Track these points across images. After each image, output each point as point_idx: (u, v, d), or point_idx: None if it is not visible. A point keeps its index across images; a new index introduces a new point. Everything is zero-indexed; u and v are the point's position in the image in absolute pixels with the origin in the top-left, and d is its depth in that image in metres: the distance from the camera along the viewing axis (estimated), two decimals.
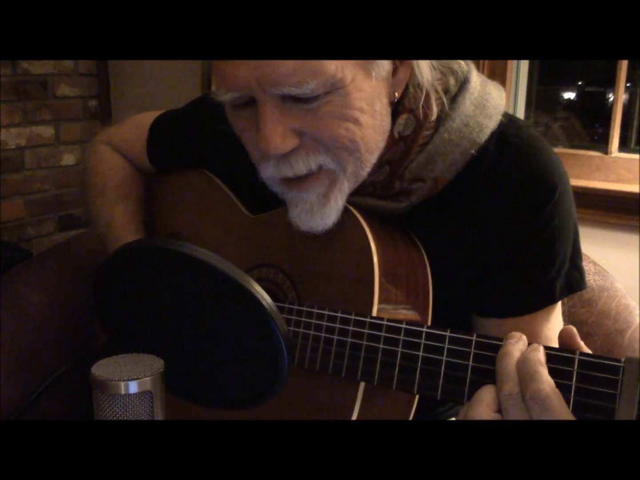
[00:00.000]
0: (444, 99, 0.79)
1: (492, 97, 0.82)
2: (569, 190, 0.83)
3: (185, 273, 0.65)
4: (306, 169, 0.75)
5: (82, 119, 2.69)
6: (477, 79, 0.82)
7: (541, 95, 2.04)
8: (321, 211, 0.78)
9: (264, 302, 0.61)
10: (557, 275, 0.81)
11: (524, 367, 0.60)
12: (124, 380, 0.58)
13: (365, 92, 0.73)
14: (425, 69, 0.77)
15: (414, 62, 0.77)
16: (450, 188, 0.82)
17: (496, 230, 0.81)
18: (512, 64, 1.85)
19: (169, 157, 1.08)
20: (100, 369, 0.59)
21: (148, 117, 1.10)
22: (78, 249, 1.34)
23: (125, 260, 0.69)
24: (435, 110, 0.79)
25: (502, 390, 0.60)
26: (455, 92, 0.81)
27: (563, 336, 0.64)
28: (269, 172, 0.78)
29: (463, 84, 0.81)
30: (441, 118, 0.80)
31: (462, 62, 0.82)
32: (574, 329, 0.63)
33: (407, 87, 0.79)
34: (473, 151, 0.80)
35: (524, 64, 1.90)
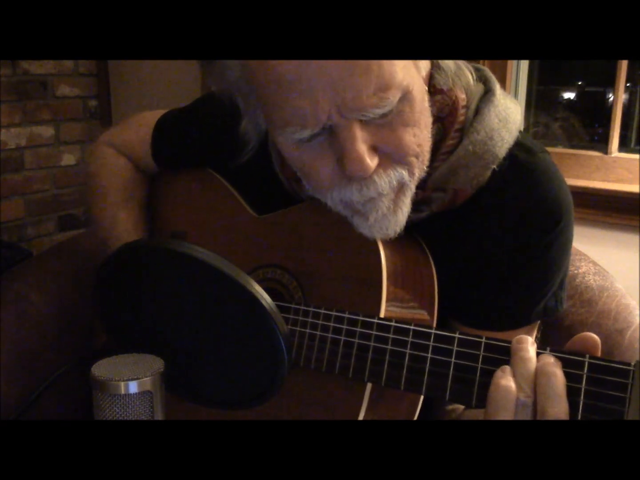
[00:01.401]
0: (471, 106, 0.80)
1: (512, 112, 0.82)
2: (572, 224, 0.83)
3: (185, 273, 0.65)
4: (389, 186, 0.74)
5: (82, 119, 2.69)
6: (500, 92, 0.82)
7: (541, 95, 2.04)
8: (393, 218, 0.77)
9: (263, 302, 0.61)
10: (538, 301, 0.83)
11: (551, 384, 0.59)
12: (124, 380, 0.58)
13: (421, 91, 0.73)
14: (448, 62, 0.79)
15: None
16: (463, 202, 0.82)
17: (494, 249, 0.82)
18: (512, 64, 1.85)
19: (173, 156, 1.08)
20: (100, 369, 0.59)
21: (151, 117, 1.10)
22: (78, 249, 1.34)
23: (125, 260, 0.69)
24: (462, 113, 0.80)
25: (519, 396, 0.60)
26: (479, 102, 0.81)
27: (587, 344, 0.62)
28: (349, 196, 0.75)
29: (487, 95, 0.81)
30: (465, 129, 0.80)
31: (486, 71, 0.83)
32: (599, 341, 0.62)
33: (434, 92, 0.79)
34: (494, 166, 0.80)
35: (524, 64, 1.90)
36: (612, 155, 1.75)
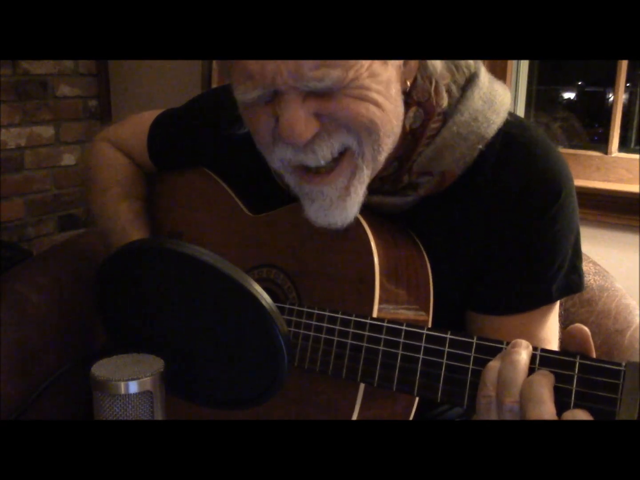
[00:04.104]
0: (454, 89, 0.79)
1: (498, 94, 0.82)
2: (574, 193, 0.83)
3: (185, 273, 0.65)
4: (331, 153, 0.74)
5: (82, 119, 2.69)
6: (485, 75, 0.83)
7: (541, 95, 2.04)
8: (341, 205, 0.77)
9: (264, 302, 0.61)
10: (556, 276, 0.81)
11: (532, 388, 0.59)
12: (124, 380, 0.58)
13: (382, 76, 0.73)
14: (436, 61, 0.78)
15: None
16: (454, 184, 0.82)
17: (499, 228, 0.81)
18: (512, 64, 1.85)
19: (169, 155, 1.08)
20: (100, 369, 0.59)
21: (149, 116, 1.10)
22: (78, 249, 1.34)
23: (125, 260, 0.69)
24: (445, 99, 0.79)
25: (505, 401, 0.60)
26: (464, 86, 0.81)
27: (577, 336, 0.62)
28: (286, 155, 0.76)
29: (472, 78, 0.81)
30: (449, 112, 0.80)
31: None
32: (588, 332, 0.62)
33: (415, 80, 0.79)
34: (480, 146, 0.80)
35: (524, 64, 1.90)
36: (612, 155, 1.75)
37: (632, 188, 1.65)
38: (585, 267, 1.17)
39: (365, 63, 0.70)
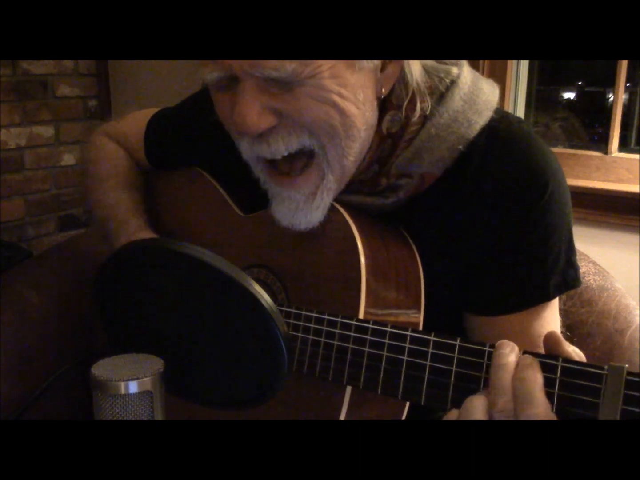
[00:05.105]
0: (429, 100, 0.79)
1: (483, 93, 0.81)
2: (563, 187, 0.82)
3: (185, 273, 0.65)
4: (286, 148, 0.75)
5: (82, 119, 2.69)
6: (468, 75, 0.82)
7: (541, 95, 2.04)
8: (306, 209, 0.78)
9: (263, 302, 0.61)
10: (551, 273, 0.81)
11: (522, 387, 0.59)
12: (124, 380, 0.58)
13: (345, 79, 0.72)
14: (416, 69, 0.77)
15: (405, 60, 0.76)
16: (440, 184, 0.81)
17: (487, 226, 0.80)
18: (512, 64, 1.85)
19: (164, 153, 1.08)
20: (100, 369, 0.59)
21: (147, 114, 1.11)
22: (78, 249, 1.34)
23: (125, 260, 0.69)
24: (418, 109, 0.78)
25: (497, 405, 0.60)
26: (444, 91, 0.80)
27: (549, 342, 0.63)
28: (244, 150, 0.78)
29: (453, 82, 0.80)
30: (429, 114, 0.79)
31: (453, 65, 0.81)
32: (558, 334, 0.62)
33: (393, 87, 0.79)
34: (461, 147, 0.79)
35: (524, 64, 1.90)
36: (612, 155, 1.75)
37: (632, 188, 1.65)
38: (585, 267, 1.17)
39: (326, 62, 0.70)
